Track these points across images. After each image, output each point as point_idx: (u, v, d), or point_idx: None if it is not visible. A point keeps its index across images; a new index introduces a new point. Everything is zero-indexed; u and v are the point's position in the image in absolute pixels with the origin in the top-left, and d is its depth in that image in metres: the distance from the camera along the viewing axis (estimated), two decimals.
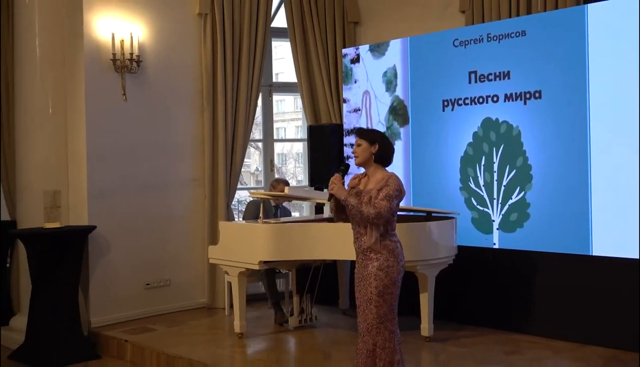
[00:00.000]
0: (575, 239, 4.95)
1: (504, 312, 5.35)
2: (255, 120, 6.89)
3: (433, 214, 5.22)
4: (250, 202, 6.26)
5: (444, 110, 5.73)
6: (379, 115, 6.22)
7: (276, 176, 6.64)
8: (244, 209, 6.70)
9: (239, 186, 6.82)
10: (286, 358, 4.98)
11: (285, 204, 6.30)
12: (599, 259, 4.85)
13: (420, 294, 4.94)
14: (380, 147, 3.69)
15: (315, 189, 6.46)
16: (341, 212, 3.78)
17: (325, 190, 5.59)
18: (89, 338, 5.64)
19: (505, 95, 5.34)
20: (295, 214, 7.62)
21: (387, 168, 3.74)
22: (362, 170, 3.78)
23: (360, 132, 3.79)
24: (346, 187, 3.77)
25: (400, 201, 3.65)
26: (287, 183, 6.20)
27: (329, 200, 3.78)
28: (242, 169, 6.89)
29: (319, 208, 6.43)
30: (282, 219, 5.86)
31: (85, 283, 5.79)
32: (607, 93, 4.81)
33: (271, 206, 6.06)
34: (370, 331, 3.59)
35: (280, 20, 7.28)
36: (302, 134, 7.96)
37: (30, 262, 5.45)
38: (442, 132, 5.75)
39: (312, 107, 7.03)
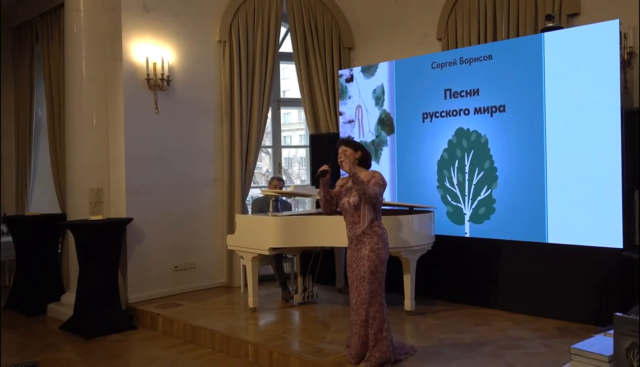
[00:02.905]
0: (533, 229, 4.91)
1: (474, 290, 5.31)
2: (265, 130, 6.84)
3: (414, 208, 5.18)
4: (254, 200, 6.27)
5: (423, 121, 5.68)
6: (369, 125, 6.15)
7: (283, 177, 6.57)
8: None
9: (252, 185, 6.77)
10: (292, 328, 4.93)
11: (284, 197, 6.22)
12: (553, 246, 4.81)
13: (403, 275, 4.90)
14: (362, 153, 3.78)
15: (316, 187, 6.38)
16: (329, 203, 3.80)
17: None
18: (127, 312, 5.60)
19: (475, 109, 5.29)
20: (299, 209, 7.55)
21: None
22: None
23: (345, 142, 3.85)
24: (336, 186, 3.84)
25: (384, 189, 3.71)
26: (280, 179, 6.17)
27: (317, 179, 3.69)
28: (255, 171, 6.86)
29: (319, 203, 6.36)
30: (287, 213, 5.81)
31: (123, 266, 5.76)
32: (559, 107, 4.76)
33: (270, 200, 6.01)
34: (363, 304, 3.60)
35: (287, 46, 7.25)
36: (305, 141, 7.91)
37: (78, 249, 5.42)
38: (422, 139, 5.70)
39: (313, 118, 6.98)
